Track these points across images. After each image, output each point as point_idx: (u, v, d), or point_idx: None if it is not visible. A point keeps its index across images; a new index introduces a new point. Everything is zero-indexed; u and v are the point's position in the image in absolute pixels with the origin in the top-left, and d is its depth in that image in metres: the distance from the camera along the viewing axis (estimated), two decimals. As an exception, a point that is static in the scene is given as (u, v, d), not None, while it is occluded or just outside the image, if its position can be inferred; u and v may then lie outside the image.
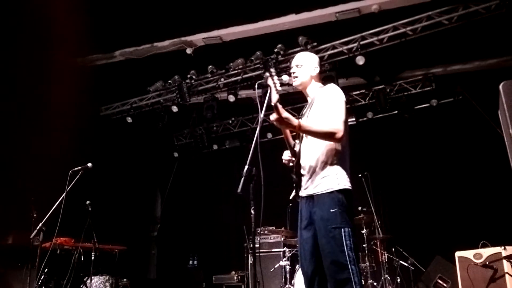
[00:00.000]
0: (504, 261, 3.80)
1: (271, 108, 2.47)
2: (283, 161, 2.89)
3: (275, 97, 2.45)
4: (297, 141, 2.86)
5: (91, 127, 7.46)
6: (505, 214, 5.54)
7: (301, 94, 2.99)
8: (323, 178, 2.59)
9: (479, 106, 6.25)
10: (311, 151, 2.69)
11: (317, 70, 2.89)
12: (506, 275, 3.75)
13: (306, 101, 2.94)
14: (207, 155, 8.96)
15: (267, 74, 2.61)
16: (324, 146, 2.63)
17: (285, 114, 2.45)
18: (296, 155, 2.83)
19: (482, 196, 5.97)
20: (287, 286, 5.46)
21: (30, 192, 4.74)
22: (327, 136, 2.55)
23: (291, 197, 2.88)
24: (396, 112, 7.23)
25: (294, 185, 2.81)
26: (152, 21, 6.27)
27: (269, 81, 2.51)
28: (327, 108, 2.64)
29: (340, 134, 2.53)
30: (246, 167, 2.37)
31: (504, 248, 3.96)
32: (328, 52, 6.45)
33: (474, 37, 5.97)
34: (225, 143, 8.88)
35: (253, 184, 2.39)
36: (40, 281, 4.66)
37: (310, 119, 2.72)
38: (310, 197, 2.65)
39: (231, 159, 8.52)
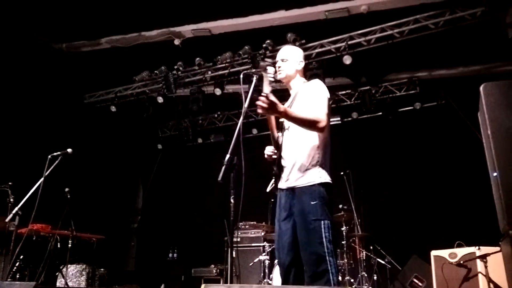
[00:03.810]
0: (478, 260, 3.89)
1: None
2: (266, 155, 2.86)
3: (267, 89, 2.45)
4: (280, 134, 2.86)
5: (74, 114, 7.36)
6: (481, 216, 5.66)
7: (286, 91, 3.00)
8: (305, 171, 2.62)
9: (461, 111, 6.38)
10: (294, 143, 2.70)
11: (302, 64, 2.90)
12: (479, 274, 3.84)
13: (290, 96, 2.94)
14: (191, 148, 8.91)
15: (264, 63, 2.63)
16: (307, 139, 2.64)
17: (272, 97, 2.43)
18: (278, 147, 2.84)
19: (459, 198, 6.10)
20: (265, 280, 5.48)
21: (7, 176, 4.64)
22: (311, 124, 2.55)
23: (268, 190, 2.86)
24: (381, 113, 7.32)
25: (274, 177, 2.81)
26: (140, 9, 6.18)
27: (269, 70, 2.56)
28: (311, 100, 2.66)
29: (323, 123, 2.55)
30: (228, 156, 2.36)
31: (479, 248, 4.06)
32: (316, 50, 6.48)
33: (459, 44, 6.08)
34: (210, 137, 8.85)
35: (234, 174, 2.39)
36: (15, 268, 4.56)
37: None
38: (291, 189, 2.66)
39: (215, 153, 8.47)
